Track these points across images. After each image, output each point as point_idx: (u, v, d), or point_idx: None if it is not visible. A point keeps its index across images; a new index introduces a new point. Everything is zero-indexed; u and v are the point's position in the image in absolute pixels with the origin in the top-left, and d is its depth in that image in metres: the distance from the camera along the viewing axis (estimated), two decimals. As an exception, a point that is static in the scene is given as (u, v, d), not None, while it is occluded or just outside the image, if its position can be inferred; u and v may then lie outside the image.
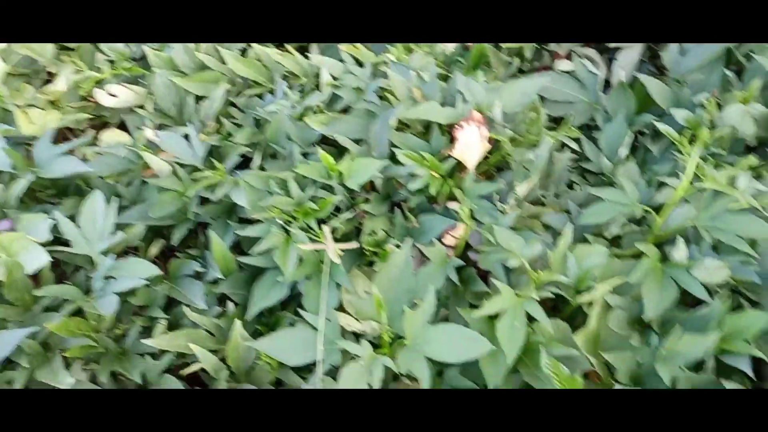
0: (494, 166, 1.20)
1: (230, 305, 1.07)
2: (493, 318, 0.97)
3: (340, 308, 1.03)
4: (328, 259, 1.04)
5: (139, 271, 1.05)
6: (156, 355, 1.03)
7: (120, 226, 1.10)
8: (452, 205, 1.08)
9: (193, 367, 1.02)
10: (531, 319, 0.95)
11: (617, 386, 0.86)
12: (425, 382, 0.88)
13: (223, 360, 1.02)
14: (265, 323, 1.07)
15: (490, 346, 0.90)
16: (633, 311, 0.95)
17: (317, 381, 0.93)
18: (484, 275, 1.04)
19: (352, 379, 0.89)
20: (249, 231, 1.07)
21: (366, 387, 0.94)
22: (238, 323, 1.00)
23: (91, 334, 1.01)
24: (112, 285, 1.04)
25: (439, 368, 0.99)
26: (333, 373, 0.96)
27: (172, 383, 0.99)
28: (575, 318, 1.01)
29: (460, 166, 1.14)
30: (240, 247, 1.15)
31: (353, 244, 1.01)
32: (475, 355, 0.90)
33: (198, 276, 1.11)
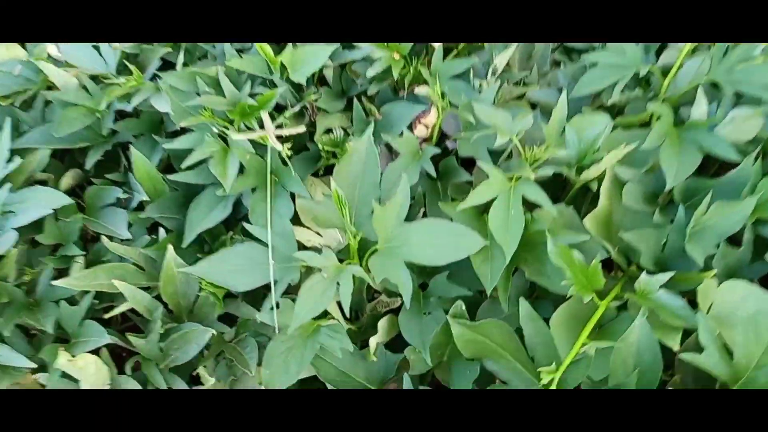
0: (466, 50, 1.02)
1: (162, 233, 0.87)
2: (482, 211, 0.80)
3: (296, 223, 0.85)
4: (276, 162, 0.85)
5: (44, 201, 0.85)
6: (74, 300, 0.84)
7: (20, 154, 0.90)
8: (420, 90, 0.90)
9: (121, 308, 0.83)
10: (528, 207, 0.78)
11: (643, 275, 0.70)
12: (407, 292, 0.71)
13: (158, 298, 0.83)
14: (208, 251, 0.89)
15: (482, 242, 0.73)
16: (649, 185, 0.79)
17: (272, 305, 0.75)
18: (467, 166, 0.87)
19: (313, 296, 0.71)
20: (178, 143, 0.87)
21: (334, 304, 0.77)
22: (170, 249, 0.81)
23: (-12, 282, 0.81)
24: (11, 220, 0.83)
25: (422, 278, 0.82)
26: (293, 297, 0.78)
27: (96, 331, 0.80)
28: (580, 204, 0.84)
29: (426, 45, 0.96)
30: (172, 168, 0.95)
31: (299, 129, 0.82)
32: (464, 254, 0.73)
33: (122, 205, 0.92)
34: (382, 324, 0.78)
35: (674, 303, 0.70)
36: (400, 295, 0.79)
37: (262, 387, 0.73)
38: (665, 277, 0.70)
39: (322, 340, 0.74)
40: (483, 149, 0.83)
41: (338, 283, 0.71)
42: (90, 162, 0.94)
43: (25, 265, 0.88)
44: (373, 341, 0.77)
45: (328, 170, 0.92)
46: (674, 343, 0.70)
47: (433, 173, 0.83)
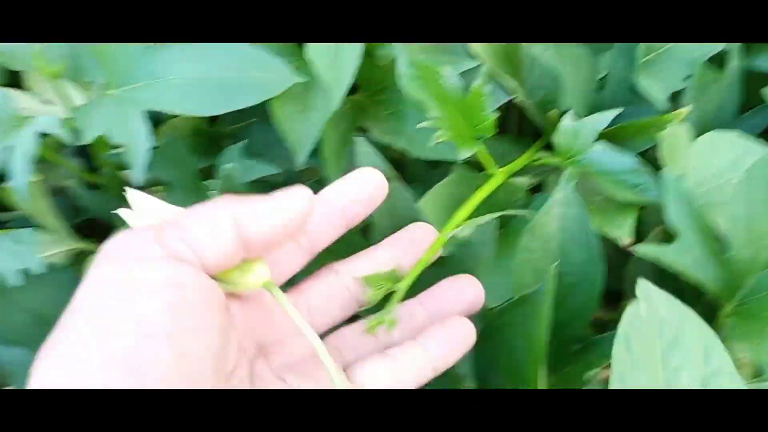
0: None
1: None
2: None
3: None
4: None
5: None
6: None
7: None
8: None
9: None
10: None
11: (567, 119, 0.40)
12: (138, 154, 0.38)
13: None
14: None
15: (291, 77, 0.41)
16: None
17: None
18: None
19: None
20: None
21: (43, 204, 0.44)
22: None
23: None
24: None
25: (209, 161, 0.49)
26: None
27: None
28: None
29: None
30: None
31: None
32: (258, 97, 0.41)
33: None
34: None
35: (621, 162, 0.40)
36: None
37: None
38: (606, 117, 0.40)
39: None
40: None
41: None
42: None
43: None
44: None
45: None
46: (622, 233, 0.40)
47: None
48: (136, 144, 0.38)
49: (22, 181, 0.37)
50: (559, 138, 0.40)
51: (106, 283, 0.26)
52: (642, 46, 0.45)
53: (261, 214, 0.29)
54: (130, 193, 0.31)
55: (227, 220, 0.28)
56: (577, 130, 0.40)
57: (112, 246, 0.28)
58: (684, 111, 0.41)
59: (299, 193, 0.30)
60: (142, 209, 0.30)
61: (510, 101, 0.45)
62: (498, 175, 0.40)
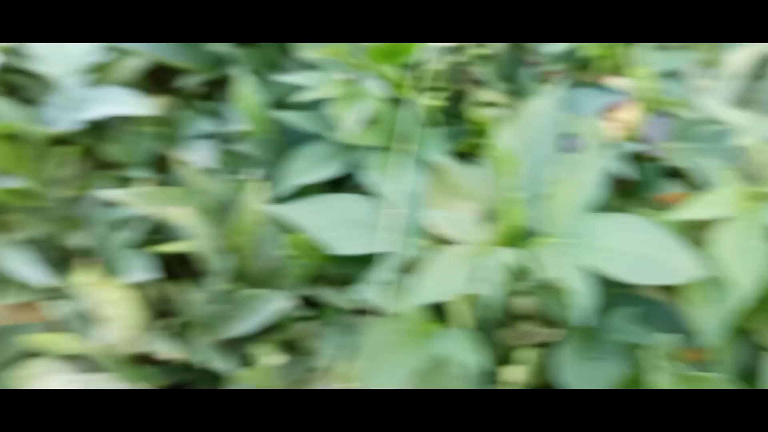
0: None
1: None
2: (694, 228, 0.56)
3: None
4: (415, 122, 0.65)
5: (122, 101, 0.68)
6: (121, 223, 0.64)
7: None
8: (614, 82, 0.69)
9: (174, 246, 0.61)
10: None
11: None
12: (581, 306, 0.47)
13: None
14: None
15: (700, 270, 0.49)
16: None
17: (381, 279, 0.52)
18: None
19: (446, 273, 0.48)
20: (296, 77, 0.69)
21: (464, 304, 0.54)
22: (254, 184, 0.61)
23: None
24: (78, 112, 0.67)
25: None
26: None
27: (142, 262, 0.60)
28: None
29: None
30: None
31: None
32: (672, 279, 0.49)
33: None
34: (528, 356, 0.53)
35: None
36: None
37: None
38: None
39: (440, 347, 0.50)
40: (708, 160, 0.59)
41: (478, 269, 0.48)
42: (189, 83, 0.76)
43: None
44: (514, 375, 0.52)
45: (472, 150, 0.70)
46: None
47: (631, 174, 0.60)
48: (583, 293, 0.47)
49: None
50: None
51: None
52: None
53: None
54: None
55: None
56: None
57: None
58: None
59: None
60: None
61: None
62: None
